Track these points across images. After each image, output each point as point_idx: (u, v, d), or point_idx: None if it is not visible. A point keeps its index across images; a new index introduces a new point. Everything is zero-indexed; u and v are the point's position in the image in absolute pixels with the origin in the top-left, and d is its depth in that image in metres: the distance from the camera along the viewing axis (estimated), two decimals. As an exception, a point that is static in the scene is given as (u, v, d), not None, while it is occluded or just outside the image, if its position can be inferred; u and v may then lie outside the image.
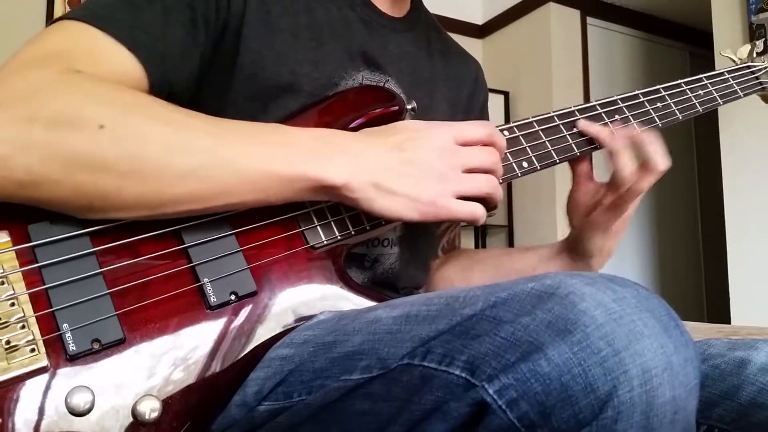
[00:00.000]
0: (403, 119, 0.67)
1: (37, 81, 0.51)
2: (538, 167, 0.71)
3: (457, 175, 0.58)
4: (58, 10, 2.64)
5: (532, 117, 0.72)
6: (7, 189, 0.49)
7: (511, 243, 3.53)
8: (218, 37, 0.65)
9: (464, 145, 0.60)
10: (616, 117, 0.76)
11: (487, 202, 0.61)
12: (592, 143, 0.74)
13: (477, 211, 0.59)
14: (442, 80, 0.84)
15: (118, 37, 0.57)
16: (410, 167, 0.56)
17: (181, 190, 0.51)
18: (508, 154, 0.68)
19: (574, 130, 0.74)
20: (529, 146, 0.70)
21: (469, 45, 3.55)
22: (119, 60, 0.57)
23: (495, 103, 3.38)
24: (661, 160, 0.70)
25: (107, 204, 0.51)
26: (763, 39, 2.36)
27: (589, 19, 3.56)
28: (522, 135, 0.70)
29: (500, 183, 0.63)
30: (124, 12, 0.59)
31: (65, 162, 0.49)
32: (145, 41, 0.58)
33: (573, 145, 0.73)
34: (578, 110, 0.74)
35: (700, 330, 1.25)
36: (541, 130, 0.72)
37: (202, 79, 0.65)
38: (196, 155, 0.51)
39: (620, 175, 0.71)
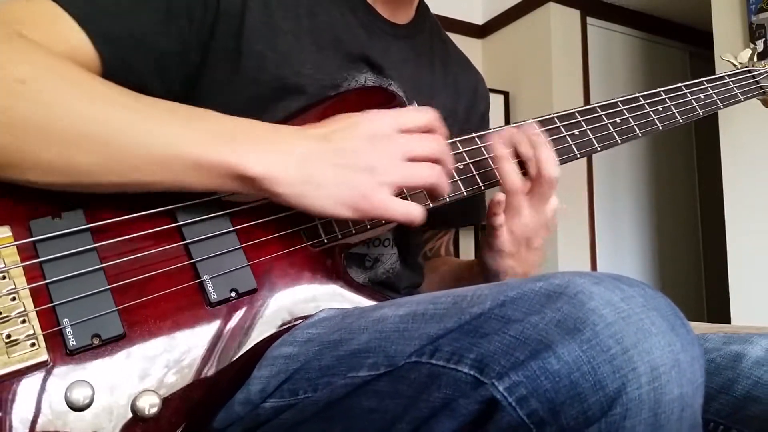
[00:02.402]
0: None
1: None
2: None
3: (392, 165, 0.54)
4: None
5: (533, 118, 0.72)
6: None
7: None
8: (208, 33, 0.63)
9: (405, 132, 0.56)
10: (617, 119, 0.76)
11: (431, 192, 0.57)
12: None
13: (411, 211, 0.54)
14: (442, 89, 0.84)
15: (72, 13, 0.56)
16: (338, 158, 0.52)
17: (91, 159, 0.49)
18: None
19: (575, 131, 0.73)
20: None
21: (469, 45, 3.54)
22: (71, 35, 0.56)
23: (495, 103, 3.38)
24: (548, 165, 0.65)
25: (24, 161, 0.49)
26: (763, 39, 2.36)
27: (589, 19, 3.56)
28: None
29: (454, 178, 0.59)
30: None
31: None
32: (99, 20, 0.57)
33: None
34: (578, 112, 0.74)
35: (700, 330, 1.24)
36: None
37: (198, 77, 0.64)
38: (108, 126, 0.50)
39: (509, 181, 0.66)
